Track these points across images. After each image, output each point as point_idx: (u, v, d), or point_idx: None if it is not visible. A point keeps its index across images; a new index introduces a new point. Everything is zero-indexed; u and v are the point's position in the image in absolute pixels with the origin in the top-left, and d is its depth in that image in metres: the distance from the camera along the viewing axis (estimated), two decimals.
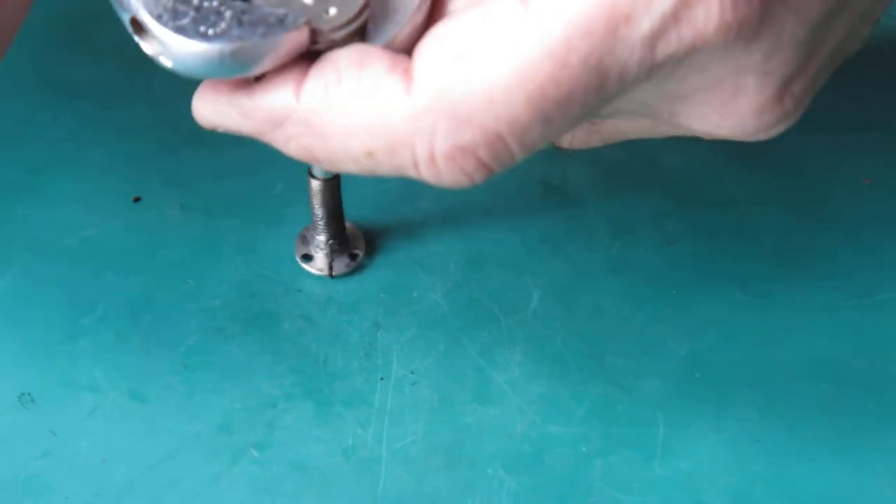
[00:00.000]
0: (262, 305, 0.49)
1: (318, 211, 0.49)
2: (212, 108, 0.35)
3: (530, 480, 0.44)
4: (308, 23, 0.33)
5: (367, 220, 0.52)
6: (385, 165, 0.34)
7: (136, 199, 0.53)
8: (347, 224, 0.50)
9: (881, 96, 0.56)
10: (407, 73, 0.33)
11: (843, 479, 0.44)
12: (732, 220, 0.52)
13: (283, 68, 0.34)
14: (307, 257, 0.50)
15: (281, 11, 0.33)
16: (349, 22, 0.34)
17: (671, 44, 0.32)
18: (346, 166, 0.35)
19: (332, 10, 0.34)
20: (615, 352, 0.48)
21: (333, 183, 0.48)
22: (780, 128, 0.37)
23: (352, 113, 0.33)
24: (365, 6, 0.34)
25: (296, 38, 0.33)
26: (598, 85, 0.32)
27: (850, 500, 0.44)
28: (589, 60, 0.32)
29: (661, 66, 0.33)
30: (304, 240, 0.50)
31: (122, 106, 0.56)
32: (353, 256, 0.50)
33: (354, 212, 0.51)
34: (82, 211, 0.52)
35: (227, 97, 0.35)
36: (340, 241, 0.50)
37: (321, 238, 0.49)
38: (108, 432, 0.46)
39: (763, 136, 0.37)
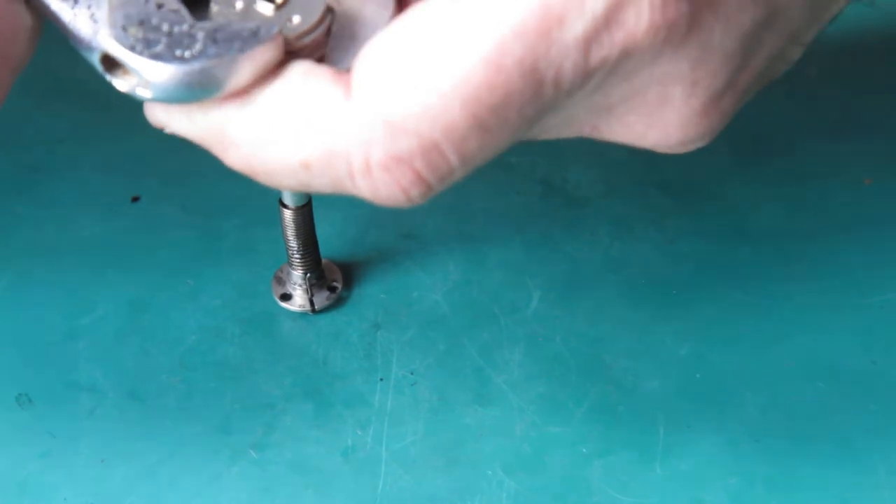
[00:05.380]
0: (262, 305, 0.49)
1: (293, 242, 0.48)
2: (163, 108, 0.35)
3: (530, 481, 0.44)
4: (280, 32, 0.34)
5: (342, 252, 0.51)
6: (321, 178, 0.34)
7: (136, 199, 0.53)
8: (322, 260, 0.49)
9: (881, 96, 0.56)
10: (348, 84, 0.33)
11: (843, 479, 0.44)
12: (732, 220, 0.52)
13: None
14: (286, 297, 0.49)
15: (253, 24, 0.34)
16: (315, 27, 0.34)
17: (603, 47, 0.32)
18: (285, 180, 0.34)
19: (296, 18, 0.34)
20: (615, 352, 0.48)
21: (305, 210, 0.47)
22: (703, 142, 0.37)
23: (291, 120, 0.33)
24: (326, 11, 0.34)
25: (272, 48, 0.34)
26: (534, 91, 0.32)
27: (850, 500, 0.44)
28: (523, 63, 0.32)
29: (594, 72, 0.33)
30: (280, 280, 0.49)
31: (122, 106, 0.56)
32: (332, 289, 0.49)
33: (328, 246, 0.51)
34: (82, 211, 0.52)
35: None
36: (318, 275, 0.49)
37: (298, 273, 0.49)
38: (107, 432, 0.46)
39: (684, 150, 0.37)
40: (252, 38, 0.33)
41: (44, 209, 0.52)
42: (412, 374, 0.47)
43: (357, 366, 0.48)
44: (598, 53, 0.32)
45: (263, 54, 0.33)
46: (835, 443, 0.45)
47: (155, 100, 0.34)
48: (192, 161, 0.54)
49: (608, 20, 0.32)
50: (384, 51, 0.33)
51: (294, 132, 0.33)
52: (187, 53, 0.33)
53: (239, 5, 0.34)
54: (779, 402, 0.46)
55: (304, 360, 0.48)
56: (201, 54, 0.33)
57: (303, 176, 0.34)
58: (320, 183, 0.34)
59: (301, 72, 0.34)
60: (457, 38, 0.32)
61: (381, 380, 0.47)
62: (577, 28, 0.32)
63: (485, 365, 0.47)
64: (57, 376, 0.47)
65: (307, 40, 0.34)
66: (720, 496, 0.44)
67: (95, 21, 0.34)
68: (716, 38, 0.34)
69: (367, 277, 0.50)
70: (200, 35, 0.33)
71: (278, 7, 0.34)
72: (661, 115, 0.35)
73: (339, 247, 0.51)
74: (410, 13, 0.33)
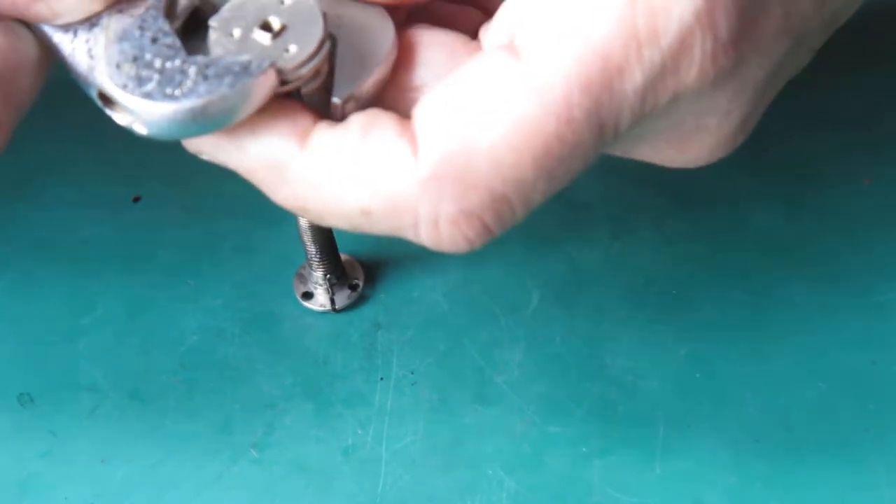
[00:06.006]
0: (262, 306, 0.49)
1: (311, 248, 0.48)
2: (211, 138, 0.35)
3: (530, 480, 0.44)
4: (273, 65, 0.33)
5: (364, 250, 0.51)
6: (380, 225, 0.34)
7: (136, 199, 0.53)
8: (344, 256, 0.50)
9: (881, 96, 0.56)
10: (413, 138, 0.33)
11: (843, 479, 0.44)
12: (732, 220, 0.52)
13: (288, 113, 0.34)
14: (307, 295, 0.49)
15: (245, 58, 0.33)
16: (311, 57, 0.34)
17: (658, 93, 0.33)
18: (336, 221, 0.34)
19: (293, 48, 0.34)
20: (615, 352, 0.48)
21: None
22: (724, 155, 0.38)
23: (355, 168, 0.33)
24: (324, 40, 0.34)
25: (264, 83, 0.33)
26: (598, 137, 0.33)
27: (850, 500, 0.44)
28: (590, 115, 0.32)
29: (648, 115, 0.33)
30: (302, 277, 0.50)
31: None
32: (353, 287, 0.49)
33: (350, 244, 0.51)
34: (82, 211, 0.52)
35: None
36: (338, 275, 0.49)
37: (318, 274, 0.49)
38: (108, 432, 0.46)
39: (706, 164, 0.38)
40: (243, 73, 0.33)
41: (44, 209, 0.52)
42: (412, 373, 0.47)
43: (357, 365, 0.48)
44: (653, 99, 0.33)
45: (254, 90, 0.33)
46: (835, 442, 0.45)
47: (151, 136, 0.34)
48: (193, 161, 0.54)
49: (665, 69, 0.33)
50: (449, 104, 0.33)
51: (357, 181, 0.33)
52: (178, 91, 0.33)
53: (237, 33, 0.34)
54: (779, 402, 0.46)
55: (304, 359, 0.48)
56: (191, 92, 0.33)
57: (359, 221, 0.34)
58: (377, 228, 0.34)
59: (363, 122, 0.33)
60: (523, 90, 0.32)
61: (382, 379, 0.47)
62: (636, 79, 0.32)
63: (485, 365, 0.47)
64: (58, 376, 0.47)
65: (304, 71, 0.34)
66: (719, 495, 0.44)
67: (92, 57, 0.34)
68: (752, 72, 0.35)
69: (367, 277, 0.50)
70: (192, 71, 0.33)
71: (275, 36, 0.34)
72: (693, 143, 0.36)
73: (359, 243, 0.51)
74: (469, 65, 0.33)
